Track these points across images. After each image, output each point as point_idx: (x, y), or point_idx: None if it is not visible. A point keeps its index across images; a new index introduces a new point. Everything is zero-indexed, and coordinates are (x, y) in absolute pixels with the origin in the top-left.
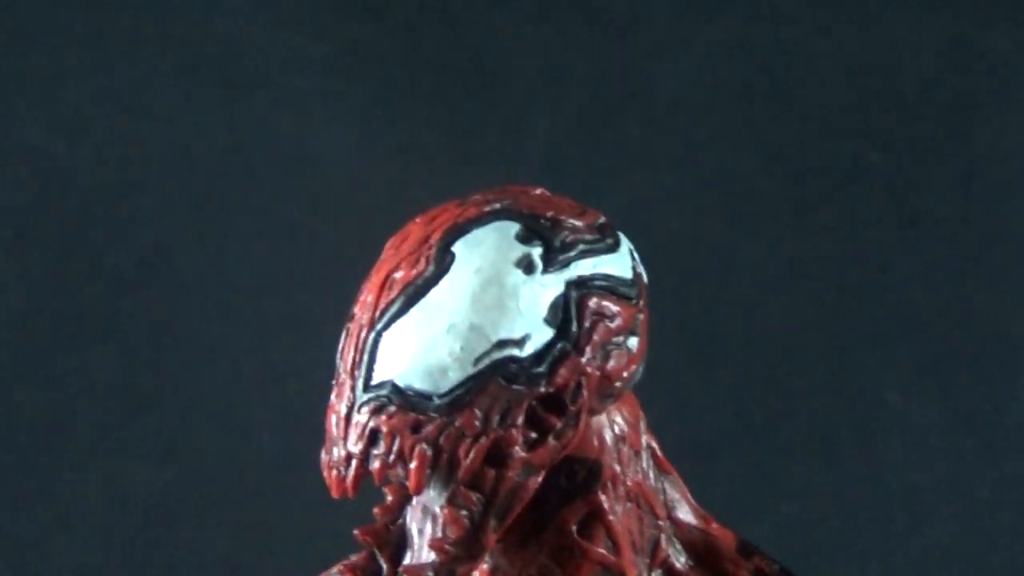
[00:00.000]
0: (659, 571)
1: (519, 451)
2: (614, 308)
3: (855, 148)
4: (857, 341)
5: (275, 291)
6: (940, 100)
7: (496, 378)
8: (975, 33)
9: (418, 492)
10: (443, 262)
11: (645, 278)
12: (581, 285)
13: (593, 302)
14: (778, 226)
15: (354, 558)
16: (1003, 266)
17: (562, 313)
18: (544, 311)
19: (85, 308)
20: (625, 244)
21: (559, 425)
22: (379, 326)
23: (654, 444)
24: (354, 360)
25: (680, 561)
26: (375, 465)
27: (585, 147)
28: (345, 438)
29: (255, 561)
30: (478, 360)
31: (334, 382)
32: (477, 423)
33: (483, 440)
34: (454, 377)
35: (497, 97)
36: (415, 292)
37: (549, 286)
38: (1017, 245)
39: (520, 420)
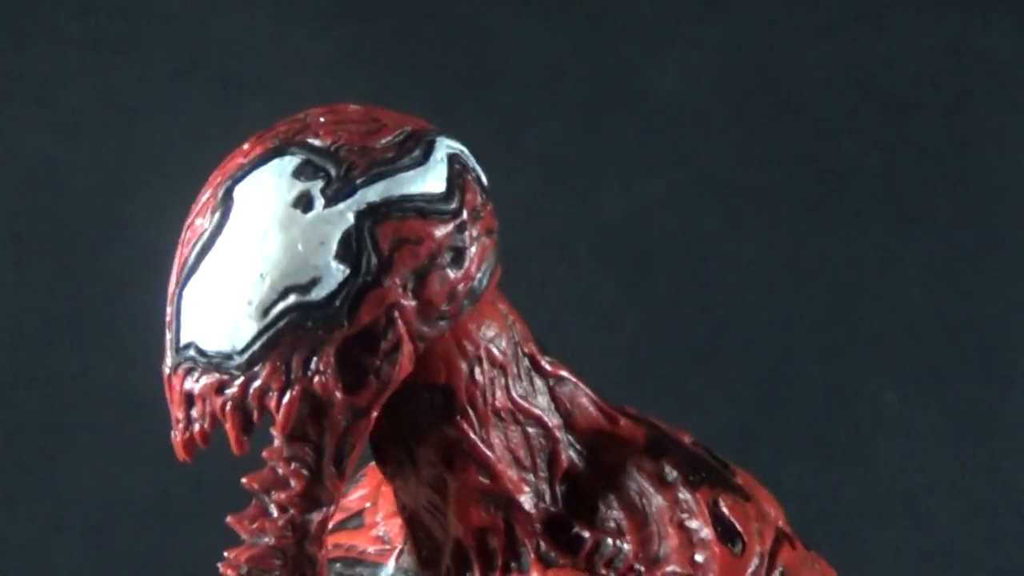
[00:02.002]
0: (564, 482)
1: (337, 396)
2: (421, 229)
3: (854, 148)
4: (855, 342)
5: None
6: (939, 100)
7: (291, 327)
8: (975, 33)
9: (241, 453)
10: (225, 211)
11: (482, 181)
12: (372, 212)
13: (391, 227)
14: (776, 226)
15: (244, 509)
16: (1001, 267)
17: (355, 246)
18: (334, 248)
19: (83, 310)
20: (441, 151)
21: (377, 363)
22: (180, 282)
23: (531, 351)
24: (168, 317)
25: (582, 467)
26: (196, 429)
27: (583, 148)
28: (171, 401)
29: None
30: (267, 311)
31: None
32: (281, 375)
33: (292, 392)
34: (248, 332)
35: (495, 98)
36: (203, 246)
37: (334, 221)
38: (1015, 246)
39: (329, 366)
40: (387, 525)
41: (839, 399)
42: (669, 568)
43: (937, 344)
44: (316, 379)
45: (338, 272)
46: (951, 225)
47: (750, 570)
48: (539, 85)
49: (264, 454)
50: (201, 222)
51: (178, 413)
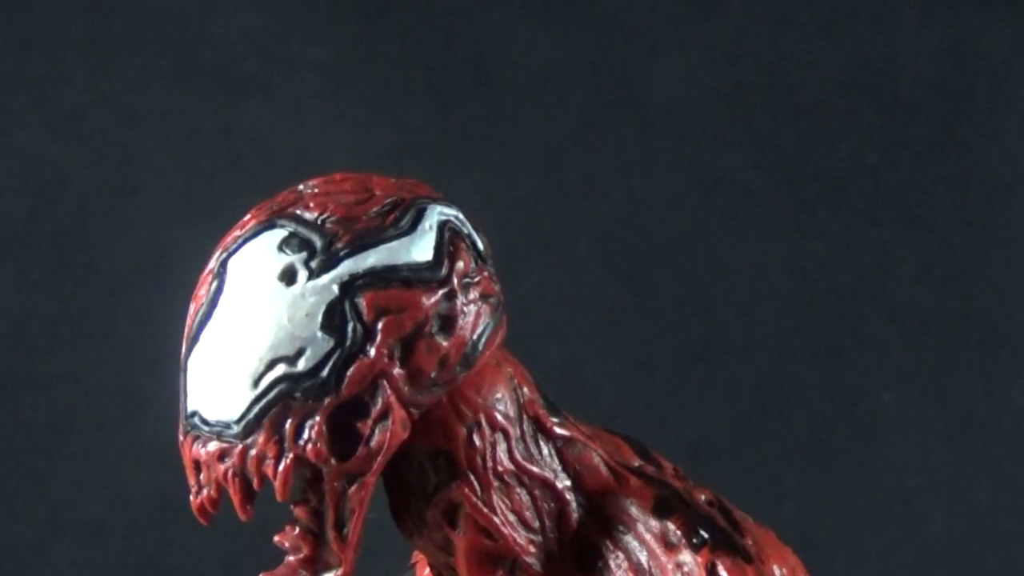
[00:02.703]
0: (577, 543)
1: (331, 462)
2: (405, 298)
3: (853, 149)
4: (855, 343)
5: None
6: (939, 101)
7: (280, 397)
8: (974, 33)
9: (246, 518)
10: (220, 283)
11: (477, 247)
12: (356, 283)
13: (373, 298)
14: (776, 227)
15: (277, 568)
16: (1001, 267)
17: (339, 318)
18: (319, 319)
19: (83, 311)
20: (432, 219)
21: (368, 431)
22: (185, 350)
23: (537, 413)
24: (179, 385)
25: (591, 528)
26: (205, 494)
27: (582, 149)
28: (186, 467)
29: (254, 563)
30: (257, 382)
31: None
32: (275, 444)
33: (286, 460)
34: (242, 402)
35: (494, 99)
36: (203, 317)
37: (317, 293)
38: (1015, 246)
39: (321, 434)
40: None
41: (839, 399)
42: None
43: (937, 344)
44: (308, 447)
45: (324, 343)
46: (951, 225)
47: None
48: (539, 85)
49: (241, 515)
50: (202, 292)
51: (191, 479)
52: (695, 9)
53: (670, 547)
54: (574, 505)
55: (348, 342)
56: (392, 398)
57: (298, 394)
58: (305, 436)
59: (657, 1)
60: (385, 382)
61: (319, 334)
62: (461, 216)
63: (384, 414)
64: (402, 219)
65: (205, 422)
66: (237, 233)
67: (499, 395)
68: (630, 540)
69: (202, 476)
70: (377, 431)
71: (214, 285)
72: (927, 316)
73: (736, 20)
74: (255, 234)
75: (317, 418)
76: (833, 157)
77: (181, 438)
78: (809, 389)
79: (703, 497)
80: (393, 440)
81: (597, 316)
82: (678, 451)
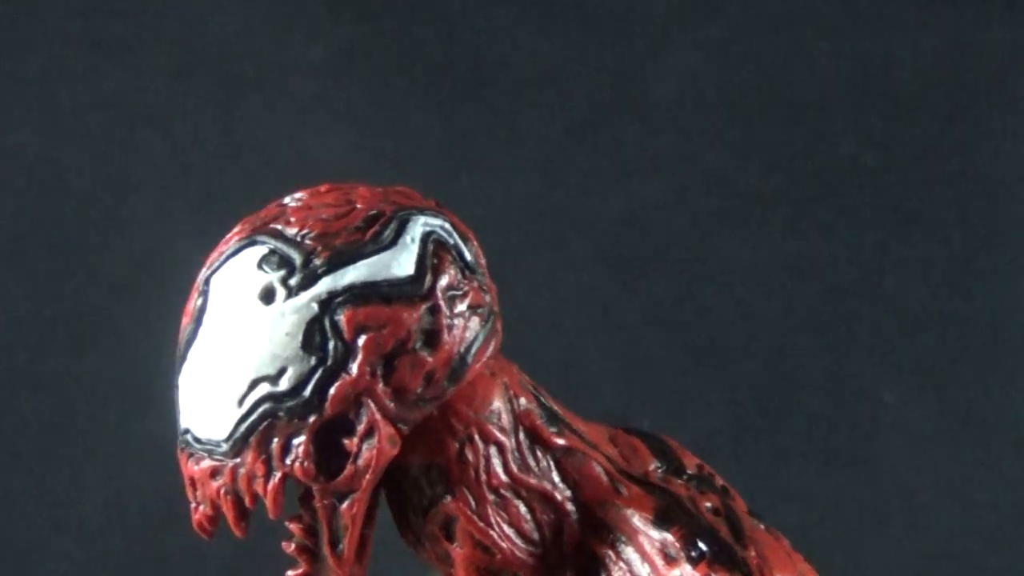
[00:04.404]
0: (574, 553)
1: (320, 480)
2: (385, 315)
3: (853, 148)
4: (855, 342)
5: None
6: (939, 100)
7: (265, 416)
8: (974, 33)
9: (241, 534)
10: (204, 301)
11: (465, 258)
12: (334, 301)
13: (349, 315)
14: (776, 227)
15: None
16: (1001, 267)
17: (319, 336)
18: (299, 338)
19: (82, 311)
20: (415, 231)
21: (355, 447)
22: (177, 367)
23: (533, 424)
24: (175, 399)
25: (590, 538)
26: (202, 511)
27: (583, 148)
28: (184, 483)
29: (253, 564)
30: (241, 402)
31: None
32: (263, 463)
33: (274, 478)
34: (229, 421)
35: (494, 100)
36: (189, 335)
37: (297, 311)
38: (1015, 246)
39: (307, 451)
40: None
41: (839, 399)
42: None
43: (937, 344)
44: (296, 465)
45: (305, 362)
46: (951, 225)
47: None
48: (539, 85)
49: (236, 531)
50: (190, 308)
51: (189, 495)
52: (695, 9)
53: (669, 560)
54: (574, 516)
55: (329, 360)
56: (377, 415)
57: (282, 413)
58: (292, 455)
59: (657, 1)
60: (369, 399)
61: (300, 353)
62: (447, 226)
63: (370, 431)
64: (383, 232)
65: (197, 440)
66: (222, 249)
67: (493, 407)
68: (631, 553)
69: (197, 493)
70: (364, 448)
71: (199, 302)
72: (927, 316)
73: (736, 20)
74: (237, 251)
75: (303, 437)
76: (833, 157)
77: (179, 454)
78: (809, 389)
79: (708, 504)
80: (381, 457)
81: (597, 316)
82: None
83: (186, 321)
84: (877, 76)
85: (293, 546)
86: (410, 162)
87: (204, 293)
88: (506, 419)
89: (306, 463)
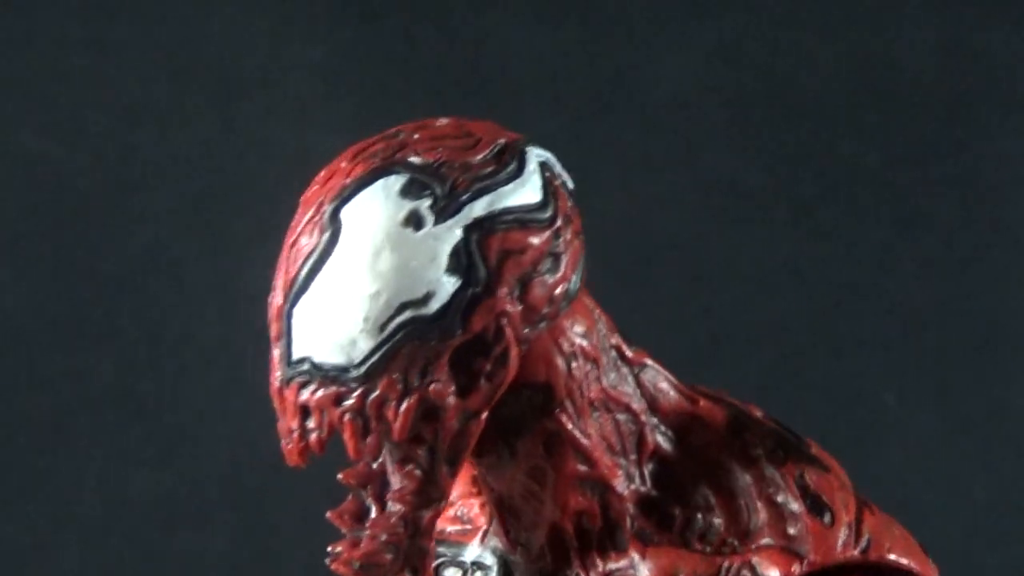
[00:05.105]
0: (650, 463)
1: (451, 401)
2: (523, 239)
3: (854, 148)
4: (855, 342)
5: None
6: (939, 100)
7: (407, 340)
8: (975, 33)
9: (358, 458)
10: (335, 231)
11: (568, 185)
12: (480, 226)
13: (497, 240)
14: (777, 226)
15: (342, 505)
16: (1001, 267)
17: (465, 259)
18: (444, 262)
19: (82, 311)
20: (533, 161)
21: (488, 367)
22: (290, 299)
23: (617, 342)
24: (276, 332)
25: (669, 448)
26: (312, 438)
27: (583, 149)
28: (283, 412)
29: (253, 564)
30: (384, 326)
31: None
32: (399, 386)
33: (408, 401)
34: (364, 347)
35: (493, 100)
36: (314, 265)
37: (444, 237)
38: (1015, 246)
39: (444, 373)
40: (464, 506)
41: (839, 399)
42: (763, 541)
43: (937, 344)
44: (432, 387)
45: (449, 285)
46: (951, 225)
47: (841, 540)
48: (539, 85)
49: (354, 455)
50: (307, 241)
51: (291, 424)
52: (695, 9)
53: (751, 462)
54: (650, 427)
55: (473, 283)
56: (511, 336)
57: (425, 336)
58: (430, 377)
59: (657, 1)
60: (505, 321)
61: (444, 277)
62: (552, 157)
63: (504, 352)
64: (511, 163)
65: (318, 367)
66: (344, 181)
67: (587, 327)
68: (709, 458)
69: (311, 421)
70: (497, 368)
71: (326, 235)
72: (927, 316)
73: (736, 20)
74: (368, 181)
75: (441, 358)
76: (833, 157)
77: (279, 385)
78: (809, 389)
79: (759, 414)
80: (509, 377)
81: None
82: None
83: (303, 252)
84: (877, 76)
85: (408, 467)
86: None
87: (334, 224)
88: (597, 338)
89: (442, 384)
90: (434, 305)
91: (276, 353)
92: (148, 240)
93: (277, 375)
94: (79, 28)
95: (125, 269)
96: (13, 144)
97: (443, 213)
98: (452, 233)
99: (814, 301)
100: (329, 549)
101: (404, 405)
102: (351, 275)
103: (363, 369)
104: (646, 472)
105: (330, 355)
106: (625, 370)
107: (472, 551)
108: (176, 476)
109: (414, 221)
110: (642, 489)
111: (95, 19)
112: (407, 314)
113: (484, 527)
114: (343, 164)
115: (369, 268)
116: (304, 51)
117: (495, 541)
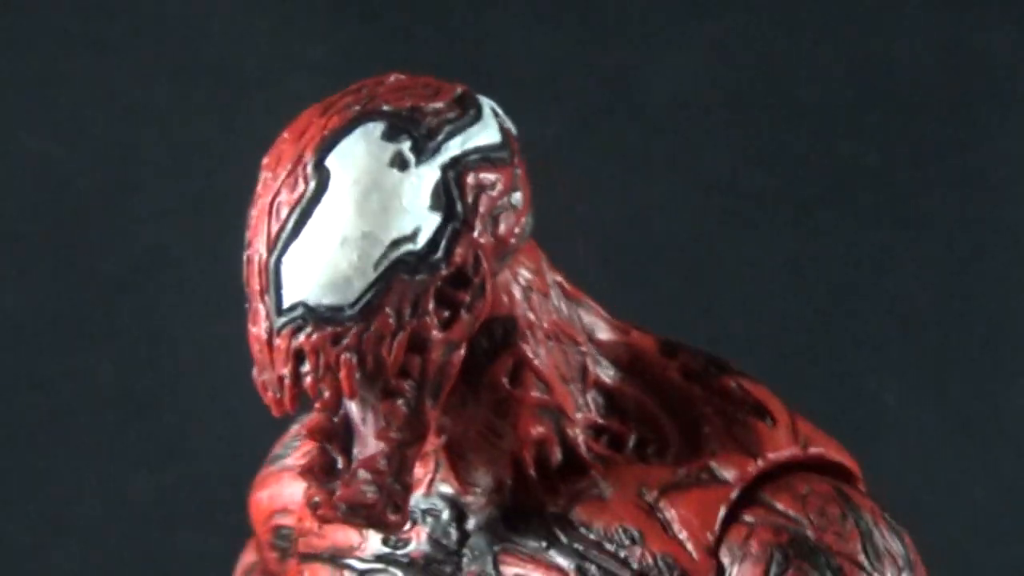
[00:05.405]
0: (593, 391)
1: (436, 334)
2: (491, 176)
3: (854, 148)
4: (854, 342)
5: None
6: (939, 100)
7: (398, 275)
8: (975, 33)
9: (352, 397)
10: (321, 179)
11: (514, 129)
12: (455, 165)
13: (471, 177)
14: (776, 227)
15: (305, 460)
16: (1001, 267)
17: (444, 197)
18: (427, 200)
19: (82, 311)
20: (487, 106)
21: (468, 299)
22: (277, 251)
23: (559, 279)
24: (261, 286)
25: (609, 375)
26: (307, 382)
27: (583, 150)
28: (272, 362)
29: None
30: (377, 264)
31: (246, 307)
32: (391, 321)
33: (401, 335)
34: (359, 285)
35: (495, 98)
36: (302, 214)
37: (426, 176)
38: (1016, 246)
39: (431, 306)
40: None
41: (839, 399)
42: (716, 446)
43: (937, 344)
44: (421, 320)
45: (432, 221)
46: (951, 225)
47: (783, 440)
48: (539, 85)
49: (349, 394)
50: (289, 194)
51: (282, 371)
52: (695, 9)
53: (690, 378)
54: (591, 357)
55: (454, 218)
56: (486, 268)
57: (415, 272)
58: (419, 311)
59: (657, 1)
60: (481, 253)
61: (430, 214)
62: (494, 103)
63: (482, 283)
64: (470, 108)
65: (312, 311)
66: (323, 133)
67: (535, 262)
68: (649, 380)
69: (305, 364)
70: (476, 300)
71: (312, 184)
72: (927, 316)
73: (736, 20)
74: (349, 130)
75: (429, 292)
76: (833, 157)
77: (267, 336)
78: (809, 389)
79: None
80: (486, 308)
81: None
82: None
83: (289, 203)
84: (877, 76)
85: (396, 402)
86: None
87: (319, 172)
88: (545, 269)
89: (429, 318)
90: (420, 241)
91: (261, 307)
92: (148, 240)
93: (264, 326)
94: (79, 28)
95: (125, 268)
96: (13, 144)
97: (423, 154)
98: (433, 172)
99: (814, 301)
100: (309, 500)
101: (397, 340)
102: (342, 218)
103: (358, 308)
104: (589, 400)
105: (324, 297)
106: (567, 304)
107: (419, 501)
108: (176, 476)
109: (398, 162)
110: (589, 416)
111: (95, 19)
112: (398, 251)
113: (429, 476)
114: (315, 119)
115: (360, 209)
116: (304, 51)
117: (443, 487)
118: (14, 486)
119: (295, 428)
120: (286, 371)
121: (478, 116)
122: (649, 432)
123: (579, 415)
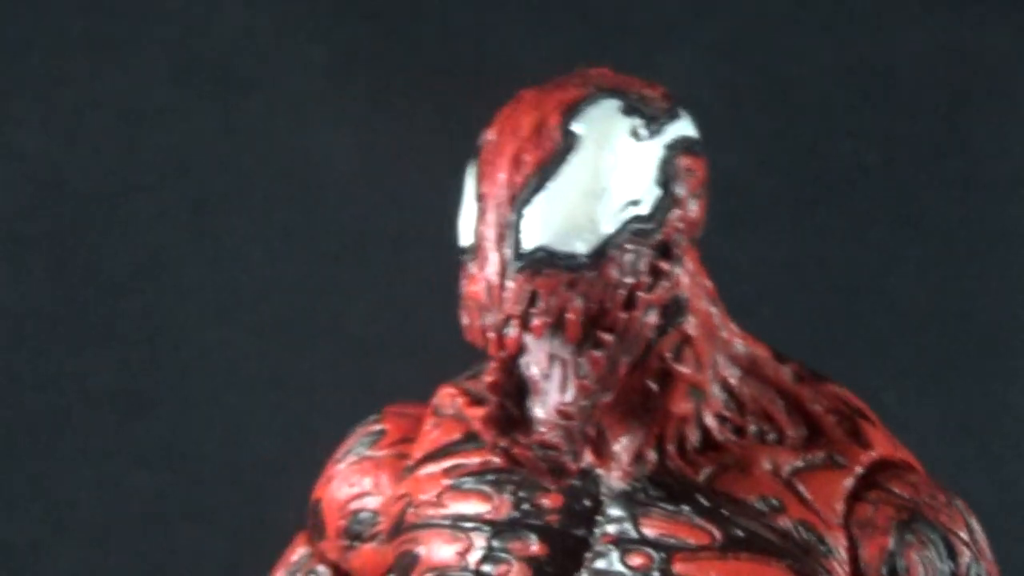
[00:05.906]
0: (717, 384)
1: (643, 295)
2: (697, 163)
3: (854, 148)
4: (854, 342)
5: (272, 294)
6: (939, 100)
7: (626, 234)
8: (975, 33)
9: (575, 341)
10: (568, 140)
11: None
12: (674, 147)
13: (682, 160)
14: (777, 226)
15: (482, 412)
16: (1001, 267)
17: (664, 173)
18: (654, 172)
19: (82, 312)
20: (677, 106)
21: (667, 268)
22: (520, 200)
23: (705, 280)
24: (499, 233)
25: (732, 375)
26: (535, 322)
27: None
28: (500, 302)
29: (252, 565)
30: (611, 220)
31: (471, 256)
32: (617, 275)
33: (622, 289)
34: (595, 238)
35: (495, 99)
36: (549, 169)
37: (653, 151)
38: (1016, 246)
39: (645, 267)
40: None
41: None
42: (830, 439)
43: (937, 344)
44: (636, 280)
45: (655, 192)
46: (951, 225)
47: (884, 440)
48: (539, 85)
49: (571, 339)
50: (534, 151)
51: (513, 310)
52: (695, 9)
53: (801, 382)
54: (722, 356)
55: (670, 193)
56: (686, 244)
57: (640, 234)
58: (637, 269)
59: (657, 1)
60: (684, 229)
61: (653, 186)
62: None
63: (680, 256)
64: (676, 104)
65: (552, 255)
66: (567, 102)
67: (695, 258)
68: (765, 380)
69: (538, 305)
70: (675, 268)
71: (559, 144)
72: (927, 316)
73: (736, 20)
74: (593, 102)
75: (644, 255)
76: (833, 157)
77: (502, 276)
78: None
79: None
80: (679, 280)
81: None
82: None
83: (533, 161)
84: (877, 76)
85: (598, 353)
86: (411, 162)
87: (567, 134)
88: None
89: (644, 279)
90: (646, 208)
91: (493, 252)
92: (148, 240)
93: (495, 268)
94: (79, 28)
95: (125, 268)
96: (12, 144)
97: (653, 132)
98: (659, 149)
99: (812, 301)
100: (494, 446)
101: (618, 293)
102: (586, 175)
103: (593, 257)
104: (716, 393)
105: (563, 244)
106: (708, 301)
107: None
108: (176, 476)
109: (635, 134)
110: (716, 405)
111: (95, 19)
112: (630, 212)
113: None
114: (556, 91)
115: (603, 169)
116: (305, 50)
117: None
118: (14, 486)
119: (360, 428)
120: (518, 310)
121: (679, 112)
122: (765, 425)
123: (713, 401)
